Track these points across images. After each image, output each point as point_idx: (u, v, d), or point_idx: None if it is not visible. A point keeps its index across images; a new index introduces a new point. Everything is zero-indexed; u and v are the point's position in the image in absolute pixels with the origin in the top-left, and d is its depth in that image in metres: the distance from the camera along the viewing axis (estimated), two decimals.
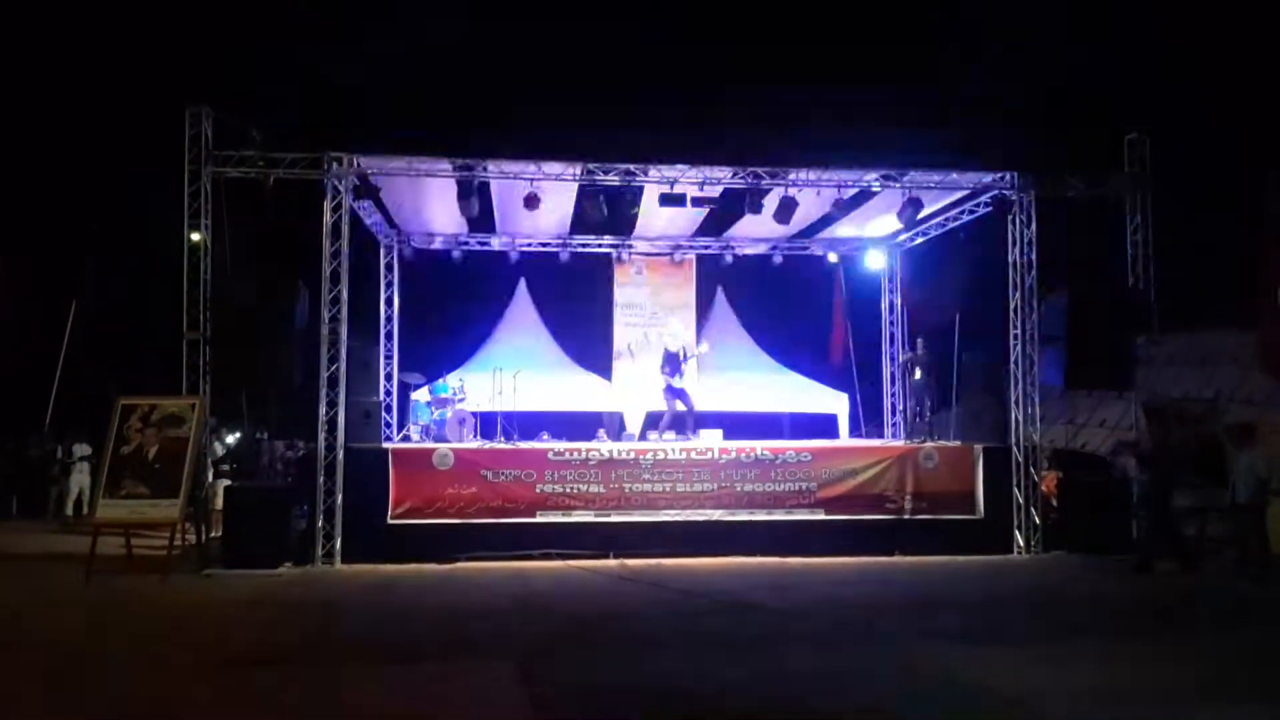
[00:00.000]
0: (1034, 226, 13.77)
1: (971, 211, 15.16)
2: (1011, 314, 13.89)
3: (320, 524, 12.40)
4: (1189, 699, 6.42)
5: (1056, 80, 23.45)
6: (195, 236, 12.94)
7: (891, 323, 18.01)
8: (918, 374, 16.37)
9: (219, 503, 13.68)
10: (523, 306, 18.91)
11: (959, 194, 14.78)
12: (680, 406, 14.91)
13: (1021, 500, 13.37)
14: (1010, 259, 13.89)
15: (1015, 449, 13.53)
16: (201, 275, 12.84)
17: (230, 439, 17.24)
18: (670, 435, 14.46)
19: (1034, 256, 13.74)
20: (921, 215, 14.94)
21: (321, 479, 12.49)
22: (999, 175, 13.99)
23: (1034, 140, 19.90)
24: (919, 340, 16.87)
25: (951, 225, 15.86)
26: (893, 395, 17.85)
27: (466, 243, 17.19)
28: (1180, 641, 8.39)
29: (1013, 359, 13.90)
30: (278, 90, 22.28)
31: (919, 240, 17.16)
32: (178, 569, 11.65)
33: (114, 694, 6.75)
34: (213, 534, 13.42)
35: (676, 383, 14.97)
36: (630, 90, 22.99)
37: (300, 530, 12.61)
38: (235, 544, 12.22)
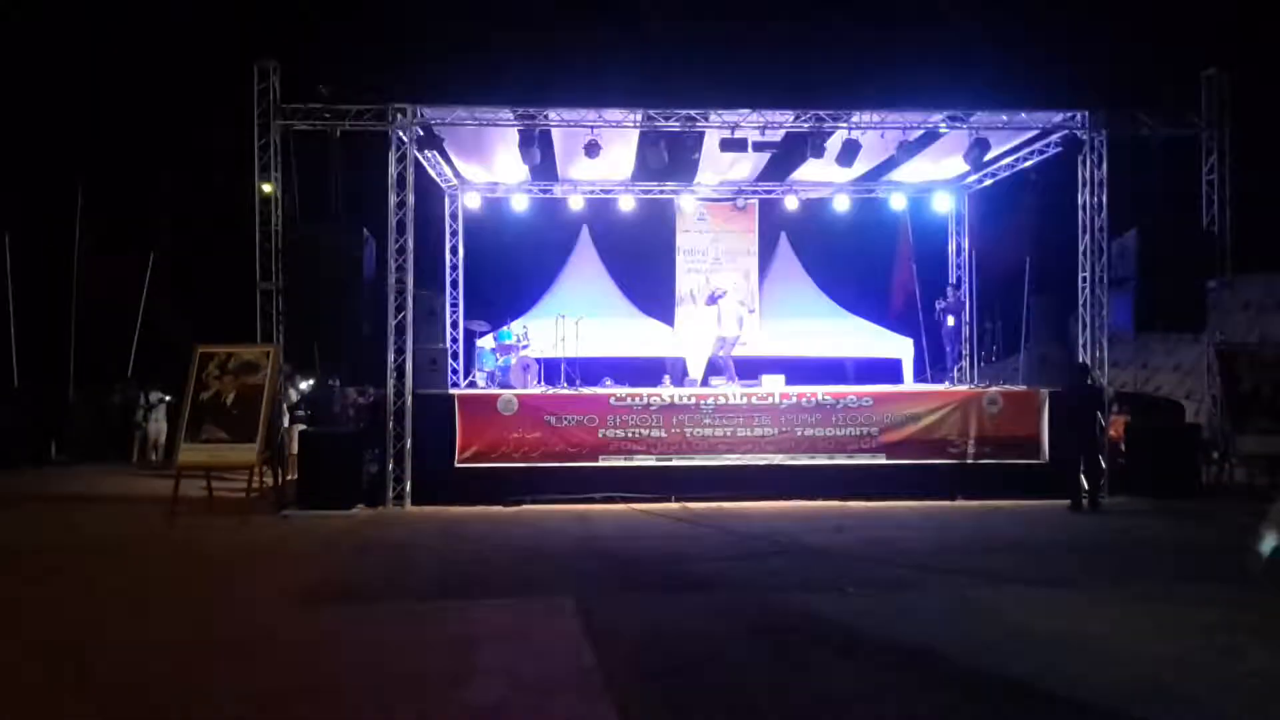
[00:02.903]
0: (1105, 167, 13.43)
1: (1041, 152, 14.85)
2: (1081, 257, 13.62)
3: (390, 467, 12.80)
4: (1235, 640, 6.40)
5: (1131, 13, 22.61)
6: (266, 188, 13.28)
7: (959, 266, 17.76)
8: (950, 321, 16.27)
9: (294, 447, 14.17)
10: (586, 253, 19.07)
11: (1028, 134, 14.47)
12: (721, 352, 14.94)
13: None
14: (1080, 200, 13.59)
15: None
16: (273, 226, 13.19)
17: (304, 385, 17.73)
18: (719, 380, 14.54)
19: (1104, 198, 13.43)
20: (989, 157, 14.69)
21: (391, 424, 12.87)
22: (1069, 114, 13.65)
23: (1106, 77, 19.31)
24: (949, 288, 16.76)
25: (1021, 166, 15.55)
26: (956, 340, 17.68)
27: (529, 191, 17.32)
28: (1239, 587, 8.28)
29: (1082, 302, 13.67)
30: (343, 43, 22.52)
31: (987, 182, 16.85)
32: (256, 510, 12.15)
33: (201, 627, 7.15)
34: (289, 477, 13.92)
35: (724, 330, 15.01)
36: (690, 34, 22.75)
37: (372, 473, 13.02)
38: (310, 486, 12.66)
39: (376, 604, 7.78)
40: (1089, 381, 13.01)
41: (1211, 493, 13.31)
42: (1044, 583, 8.32)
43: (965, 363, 17.26)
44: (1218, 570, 8.35)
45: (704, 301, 16.39)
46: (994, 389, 13.94)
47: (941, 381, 16.89)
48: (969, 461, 13.33)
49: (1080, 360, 13.40)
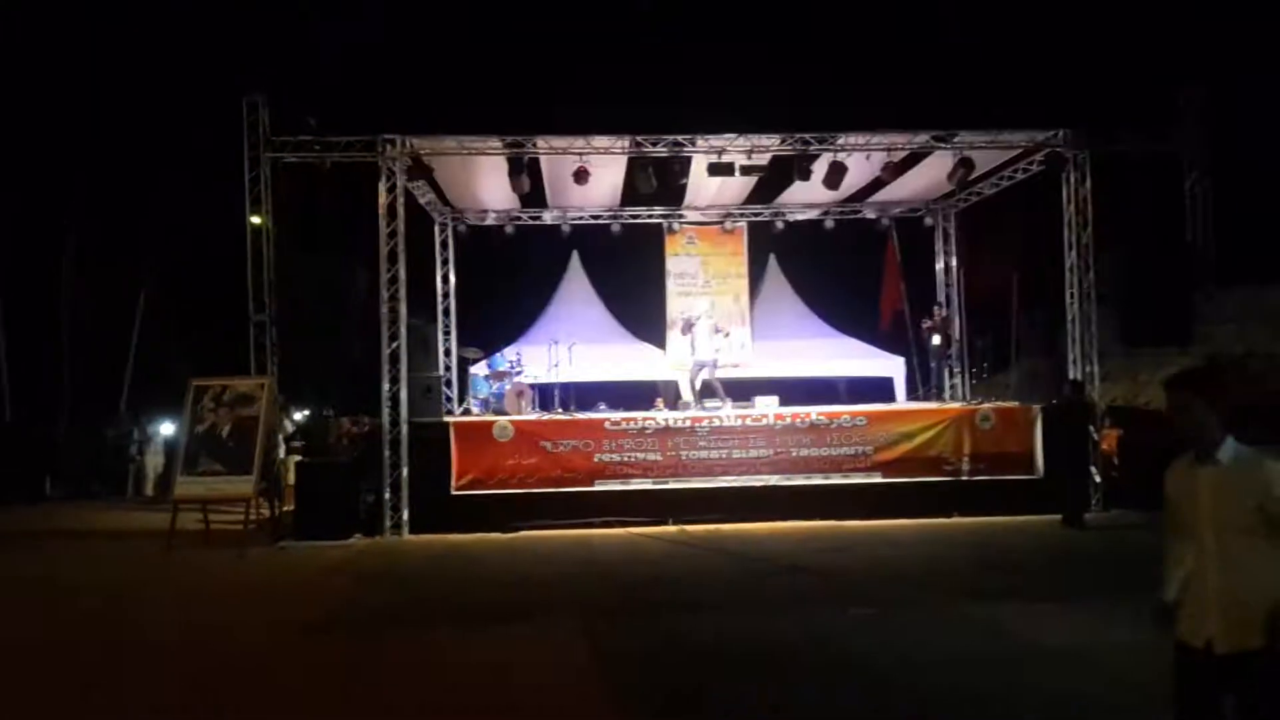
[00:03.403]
0: (1089, 184, 13.60)
1: (1025, 170, 15.01)
2: (1068, 272, 13.76)
3: (388, 496, 12.80)
4: None
5: (1111, 32, 22.95)
6: (256, 220, 13.34)
7: (947, 285, 17.89)
8: (935, 340, 16.42)
9: (291, 477, 14.15)
10: (576, 279, 19.14)
11: (1011, 153, 14.63)
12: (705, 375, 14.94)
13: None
14: (1065, 217, 13.74)
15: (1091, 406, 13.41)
16: (265, 259, 13.24)
17: (298, 416, 17.75)
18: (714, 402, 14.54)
19: (1089, 214, 13.58)
20: (974, 175, 14.83)
21: (387, 453, 12.88)
22: (1051, 133, 13.82)
23: (1087, 96, 19.56)
24: (935, 306, 16.91)
25: (1005, 184, 15.71)
26: (949, 357, 17.78)
27: (519, 218, 17.41)
28: None
29: (1070, 318, 13.79)
30: (331, 75, 22.70)
31: (972, 200, 17.01)
32: (253, 542, 12.12)
33: (202, 661, 7.14)
34: (285, 508, 13.91)
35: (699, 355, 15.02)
36: (675, 61, 22.99)
37: (369, 503, 13.02)
38: (307, 517, 12.65)
39: (379, 634, 7.78)
40: (1079, 397, 13.10)
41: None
42: (1044, 599, 8.36)
43: (958, 380, 17.36)
44: None
45: (680, 330, 16.38)
46: (987, 405, 14.04)
47: (933, 400, 16.98)
48: (964, 478, 13.39)
49: (1071, 376, 13.50)
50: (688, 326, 15.12)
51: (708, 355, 14.80)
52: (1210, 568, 3.33)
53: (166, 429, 18.69)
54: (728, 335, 15.72)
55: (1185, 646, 3.38)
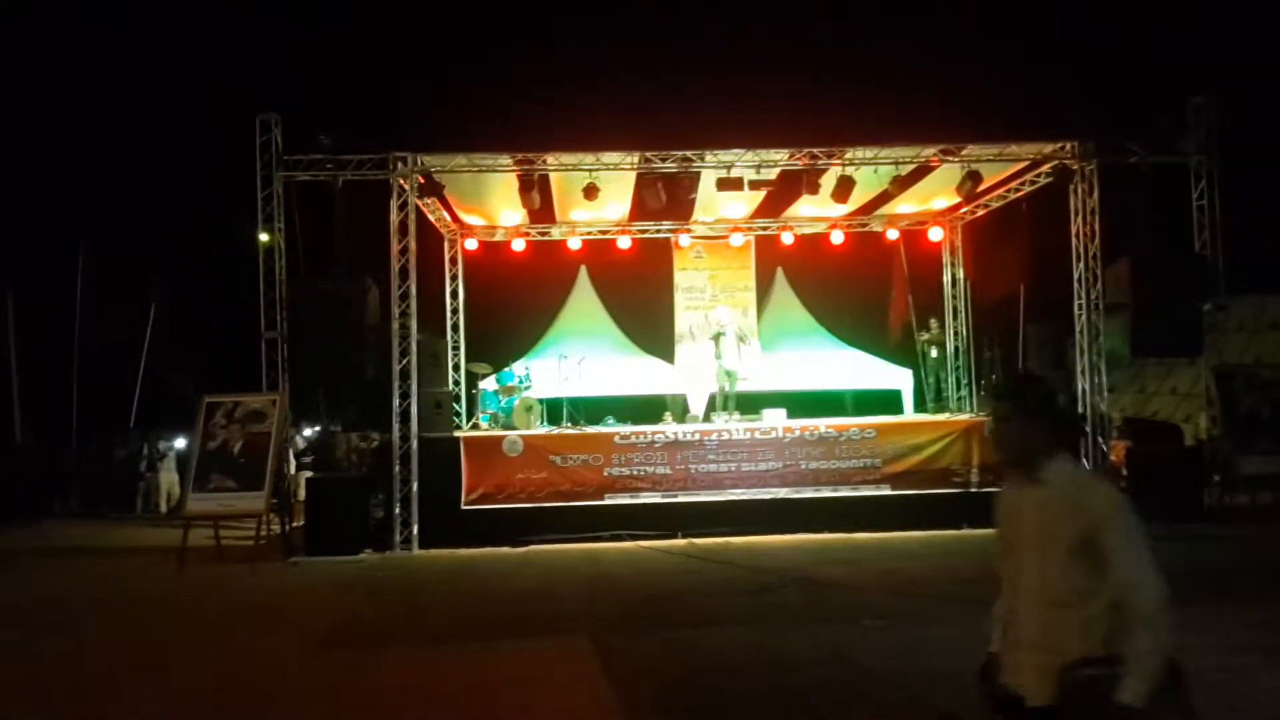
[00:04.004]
0: (1096, 195, 13.64)
1: (1033, 182, 15.02)
2: (1076, 284, 13.79)
3: (398, 511, 12.84)
4: (1254, 660, 6.46)
5: (1119, 43, 23.01)
6: (266, 238, 13.44)
7: (954, 297, 17.92)
8: (934, 352, 16.44)
9: (302, 493, 14.21)
10: (584, 294, 19.17)
11: (1019, 165, 14.67)
12: (728, 386, 15.00)
13: (1090, 470, 13.28)
14: (1073, 229, 13.78)
15: (1083, 419, 13.44)
16: (276, 276, 13.33)
17: (308, 432, 17.81)
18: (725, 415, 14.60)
19: (1097, 226, 13.62)
20: (981, 188, 14.86)
21: (397, 468, 12.93)
22: (1059, 145, 13.87)
23: (1095, 108, 19.60)
24: (932, 320, 16.93)
25: (1013, 197, 15.74)
26: (957, 369, 17.79)
27: (528, 234, 17.48)
28: (1246, 606, 8.34)
29: (1078, 329, 13.81)
30: (343, 94, 22.87)
31: (980, 213, 17.04)
32: (264, 558, 12.16)
33: (218, 676, 7.17)
34: (296, 524, 13.95)
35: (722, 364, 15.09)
36: (684, 77, 23.10)
37: (379, 518, 13.06)
38: (318, 533, 12.70)
39: (393, 649, 7.81)
40: (1060, 406, 13.03)
41: (1215, 516, 13.37)
42: None
43: (965, 391, 17.36)
44: (1224, 592, 8.41)
45: (705, 338, 16.40)
46: None
47: (940, 412, 16.97)
48: (973, 490, 13.38)
49: (1069, 391, 13.53)
50: (717, 337, 15.17)
51: (734, 365, 14.86)
52: (1028, 609, 2.89)
53: (181, 444, 18.73)
54: (749, 344, 15.75)
55: (1007, 694, 2.92)
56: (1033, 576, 2.87)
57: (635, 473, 13.28)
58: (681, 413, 16.88)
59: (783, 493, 13.36)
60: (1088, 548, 2.73)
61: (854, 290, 19.28)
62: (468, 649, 7.61)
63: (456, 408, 16.04)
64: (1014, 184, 15.41)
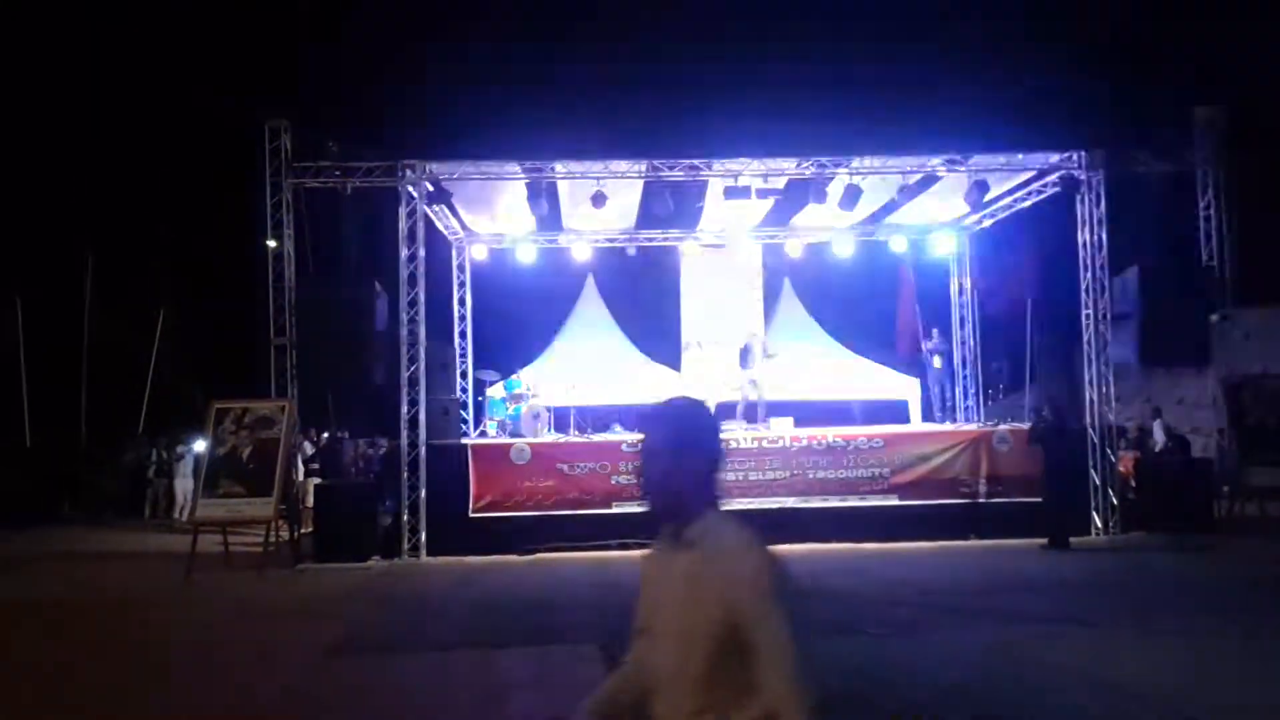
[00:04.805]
0: (1103, 205, 13.63)
1: (1040, 192, 15.03)
2: (1083, 294, 13.78)
3: (405, 518, 12.85)
4: (1269, 678, 6.44)
5: (1126, 53, 23.01)
6: (273, 244, 13.49)
7: (961, 306, 17.92)
8: (937, 362, 16.44)
9: (310, 500, 14.23)
10: (591, 301, 19.23)
11: (1026, 175, 14.68)
12: (753, 396, 15.03)
13: (1098, 481, 13.26)
14: (1080, 239, 13.77)
15: (1091, 429, 13.43)
16: (285, 283, 13.38)
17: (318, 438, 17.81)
18: (742, 424, 14.62)
19: (1104, 235, 13.61)
20: (988, 198, 14.88)
21: (405, 475, 12.95)
22: (1066, 155, 13.88)
23: (1102, 117, 19.61)
24: (934, 330, 16.93)
25: (1019, 206, 15.75)
26: (965, 379, 17.78)
27: (535, 241, 17.51)
28: (1258, 621, 8.33)
29: (1086, 339, 13.80)
30: (352, 102, 22.94)
31: (987, 223, 17.04)
32: (273, 564, 12.17)
33: (229, 682, 7.19)
34: (304, 530, 13.97)
35: (748, 374, 15.12)
36: (692, 85, 23.15)
37: (386, 525, 13.08)
38: (326, 539, 12.72)
39: (401, 655, 7.82)
40: (1058, 421, 12.94)
41: (1224, 527, 13.34)
42: (1065, 620, 8.34)
43: (972, 401, 17.35)
44: (1234, 603, 8.39)
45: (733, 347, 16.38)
46: (1003, 427, 14.02)
47: (948, 421, 16.97)
48: (981, 500, 13.37)
49: (1047, 400, 13.53)
50: (746, 349, 15.18)
51: (759, 374, 14.89)
52: (664, 715, 2.20)
53: (199, 447, 18.71)
54: (773, 356, 15.71)
55: None
56: (672, 671, 2.17)
57: None
58: None
59: (790, 501, 13.36)
60: (730, 632, 2.06)
61: (861, 299, 19.32)
62: (476, 656, 7.62)
63: (464, 415, 16.07)
64: (1021, 193, 15.42)
